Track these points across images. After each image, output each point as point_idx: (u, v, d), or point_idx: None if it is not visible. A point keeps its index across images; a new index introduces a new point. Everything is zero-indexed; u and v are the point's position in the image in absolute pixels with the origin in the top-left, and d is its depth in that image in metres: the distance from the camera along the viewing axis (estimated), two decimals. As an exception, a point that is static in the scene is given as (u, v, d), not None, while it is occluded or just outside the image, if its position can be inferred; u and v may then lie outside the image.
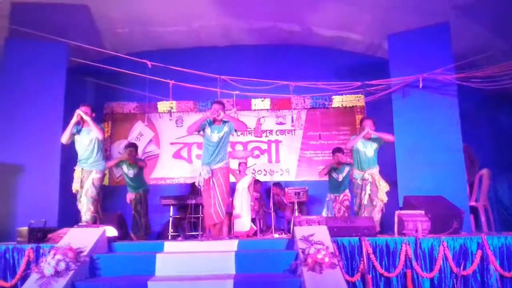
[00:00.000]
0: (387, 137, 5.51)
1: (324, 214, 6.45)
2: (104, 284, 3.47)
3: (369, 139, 5.49)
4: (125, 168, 6.39)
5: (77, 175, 4.96)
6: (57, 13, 6.39)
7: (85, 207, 4.84)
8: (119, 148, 8.22)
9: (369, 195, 5.27)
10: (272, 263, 3.71)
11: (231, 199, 6.63)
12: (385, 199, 5.26)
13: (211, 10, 7.14)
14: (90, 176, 4.91)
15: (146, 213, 6.35)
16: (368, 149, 5.43)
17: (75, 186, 4.93)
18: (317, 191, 7.51)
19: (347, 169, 6.42)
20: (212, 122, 5.10)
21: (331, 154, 6.74)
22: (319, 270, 3.31)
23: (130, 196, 6.40)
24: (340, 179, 6.45)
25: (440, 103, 6.11)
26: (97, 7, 6.68)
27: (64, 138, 4.94)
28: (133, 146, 6.48)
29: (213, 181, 4.94)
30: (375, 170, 5.38)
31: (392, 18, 6.68)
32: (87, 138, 4.94)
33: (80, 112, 4.88)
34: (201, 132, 5.13)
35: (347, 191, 6.39)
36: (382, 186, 5.28)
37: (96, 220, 4.90)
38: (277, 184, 7.53)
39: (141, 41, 7.94)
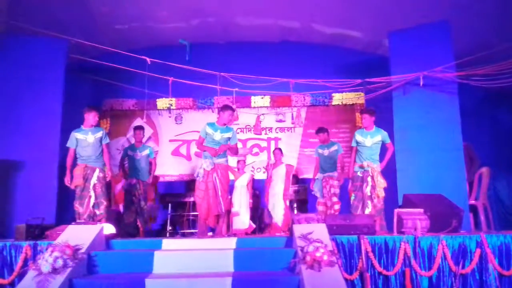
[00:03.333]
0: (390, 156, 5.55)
1: (314, 192, 6.42)
2: (102, 281, 3.45)
3: (370, 131, 5.43)
4: (130, 153, 6.19)
5: (78, 171, 5.05)
6: (55, 9, 6.36)
7: (91, 201, 4.99)
8: (117, 144, 8.20)
9: (371, 187, 5.21)
10: (271, 261, 3.69)
11: (229, 196, 6.62)
12: (382, 194, 5.20)
13: (211, 6, 7.12)
14: (95, 173, 5.07)
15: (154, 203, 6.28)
16: (367, 140, 5.38)
17: (77, 182, 5.00)
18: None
19: (334, 147, 6.25)
20: (215, 123, 5.22)
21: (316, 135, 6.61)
22: (317, 268, 3.30)
23: (130, 180, 6.06)
24: (326, 153, 6.26)
25: (440, 101, 6.10)
26: (96, 3, 6.65)
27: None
28: (140, 129, 6.40)
29: (214, 176, 5.07)
30: (376, 165, 5.34)
31: (393, 15, 6.66)
32: (92, 137, 5.14)
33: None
34: None
35: (335, 176, 6.20)
36: (379, 182, 5.24)
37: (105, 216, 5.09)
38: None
39: (140, 38, 7.91)
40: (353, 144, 5.54)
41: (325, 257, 3.34)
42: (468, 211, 5.57)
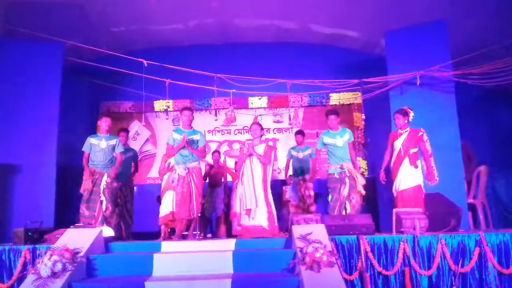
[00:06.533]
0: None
1: (287, 195, 6.49)
2: (101, 284, 3.45)
3: (337, 131, 5.33)
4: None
5: (87, 176, 5.10)
6: (52, 12, 6.34)
7: (103, 205, 5.08)
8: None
9: (349, 188, 5.12)
10: (270, 262, 3.70)
11: (227, 199, 6.61)
12: (363, 192, 5.08)
13: (208, 8, 7.11)
14: (103, 178, 5.15)
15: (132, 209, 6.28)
16: (337, 140, 5.28)
17: (86, 186, 5.05)
18: (314, 189, 7.47)
19: (308, 150, 6.33)
20: (181, 128, 5.21)
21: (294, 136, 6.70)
22: (317, 268, 3.31)
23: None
24: (301, 156, 6.35)
25: (437, 100, 6.11)
26: (93, 6, 6.63)
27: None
28: (124, 131, 6.42)
29: (189, 179, 5.06)
30: (350, 164, 5.23)
31: (389, 15, 6.66)
32: (105, 144, 5.25)
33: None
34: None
35: (308, 179, 6.25)
36: (359, 179, 5.15)
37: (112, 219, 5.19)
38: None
39: (137, 40, 7.89)
40: (319, 146, 5.42)
41: (325, 258, 3.35)
42: (466, 210, 5.57)
